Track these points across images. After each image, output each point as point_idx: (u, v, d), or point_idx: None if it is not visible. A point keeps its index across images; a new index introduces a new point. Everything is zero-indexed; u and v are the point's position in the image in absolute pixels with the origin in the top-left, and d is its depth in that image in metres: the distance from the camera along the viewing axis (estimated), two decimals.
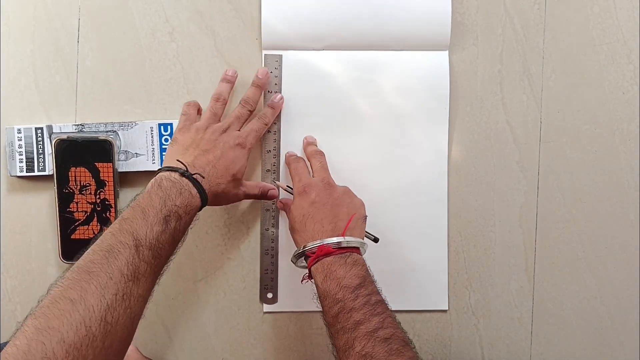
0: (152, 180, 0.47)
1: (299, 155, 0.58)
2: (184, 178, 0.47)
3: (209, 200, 0.49)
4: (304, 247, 0.48)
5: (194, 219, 0.48)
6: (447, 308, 0.60)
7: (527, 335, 0.61)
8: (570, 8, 0.60)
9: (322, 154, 0.56)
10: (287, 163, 0.57)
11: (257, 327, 0.60)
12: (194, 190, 0.47)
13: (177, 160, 0.48)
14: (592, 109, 0.60)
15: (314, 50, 0.59)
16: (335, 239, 0.48)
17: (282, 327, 0.60)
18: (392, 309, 0.60)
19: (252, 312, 0.60)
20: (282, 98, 0.57)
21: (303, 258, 0.50)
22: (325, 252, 0.47)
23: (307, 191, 0.51)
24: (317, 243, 0.48)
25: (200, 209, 0.48)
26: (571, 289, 0.61)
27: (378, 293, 0.45)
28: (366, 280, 0.45)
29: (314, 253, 0.48)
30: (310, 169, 0.56)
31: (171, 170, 0.47)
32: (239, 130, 0.54)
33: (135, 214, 0.43)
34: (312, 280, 0.48)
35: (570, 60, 0.60)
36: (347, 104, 0.59)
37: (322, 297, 0.46)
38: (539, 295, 0.61)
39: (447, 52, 0.59)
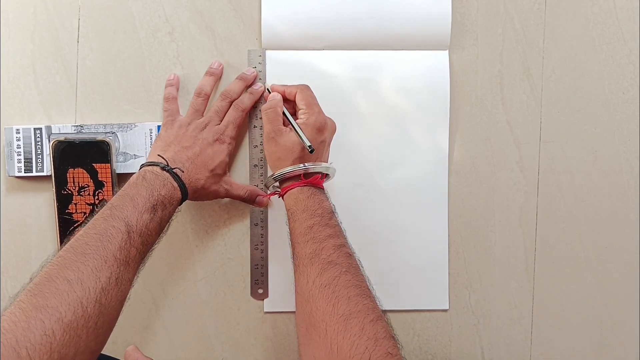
0: (136, 173, 0.49)
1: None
2: (165, 172, 0.49)
3: (190, 194, 0.51)
4: (325, 163, 0.53)
5: (176, 210, 0.50)
6: (447, 307, 0.60)
7: (527, 335, 0.61)
8: (570, 8, 0.60)
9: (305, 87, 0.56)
10: (290, 92, 0.55)
11: (257, 327, 0.60)
12: (175, 184, 0.49)
13: (158, 155, 0.51)
14: (592, 109, 0.60)
15: (314, 50, 0.59)
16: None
17: (282, 327, 0.60)
18: (393, 308, 0.60)
19: (252, 312, 0.60)
20: (262, 86, 0.58)
21: (299, 176, 0.52)
22: (320, 181, 0.52)
23: (322, 130, 0.53)
24: (327, 165, 0.53)
25: (181, 203, 0.50)
26: (571, 289, 0.61)
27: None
28: (335, 212, 0.50)
29: (308, 175, 0.52)
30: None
31: (153, 165, 0.50)
32: (218, 125, 0.55)
33: (125, 202, 0.45)
34: (282, 197, 0.52)
35: (570, 60, 0.60)
36: (347, 104, 0.59)
37: (300, 210, 0.49)
38: (539, 295, 0.61)
39: (447, 52, 0.59)
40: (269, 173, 0.54)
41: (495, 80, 0.60)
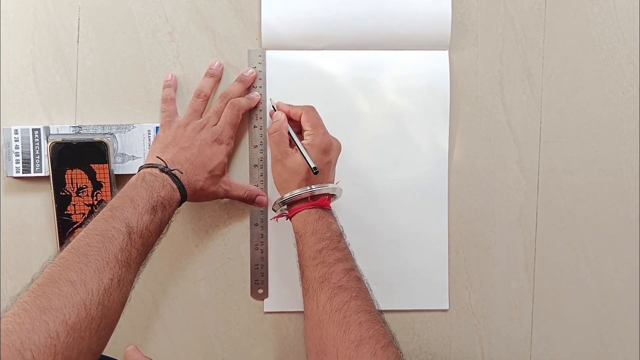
0: (135, 175, 0.49)
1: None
2: (164, 173, 0.49)
3: (189, 196, 0.51)
4: (332, 184, 0.52)
5: (175, 212, 0.50)
6: (447, 307, 0.60)
7: (527, 335, 0.61)
8: (570, 8, 0.60)
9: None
10: (295, 113, 0.55)
11: (257, 327, 0.60)
12: (174, 185, 0.49)
13: (157, 157, 0.51)
14: (592, 109, 0.60)
15: (314, 50, 0.59)
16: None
17: (282, 327, 0.60)
18: (393, 308, 0.60)
19: (252, 312, 0.60)
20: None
21: (307, 199, 0.51)
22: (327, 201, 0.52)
23: (327, 151, 0.52)
24: (334, 186, 0.52)
25: (180, 204, 0.50)
26: (571, 289, 0.61)
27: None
28: (343, 234, 0.50)
29: (319, 195, 0.51)
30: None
31: (152, 167, 0.49)
32: (216, 125, 0.55)
33: (125, 203, 0.45)
34: (290, 219, 0.52)
35: (570, 60, 0.60)
36: (347, 104, 0.59)
37: (309, 233, 0.49)
38: (539, 295, 0.61)
39: (447, 52, 0.59)
40: (275, 194, 0.54)
41: (495, 80, 0.60)
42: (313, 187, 0.51)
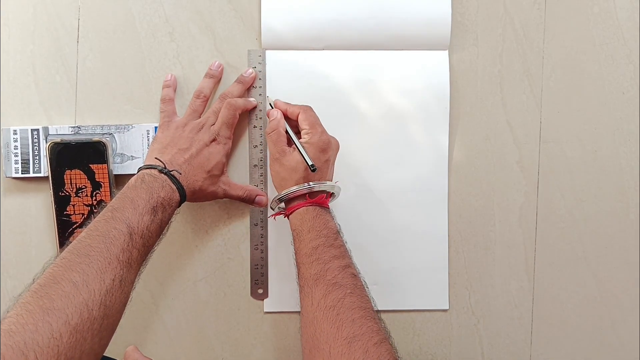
0: (134, 177, 0.49)
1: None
2: (162, 174, 0.49)
3: (188, 196, 0.51)
4: (330, 182, 0.52)
5: (175, 212, 0.50)
6: (447, 307, 0.60)
7: (527, 335, 0.61)
8: (570, 8, 0.60)
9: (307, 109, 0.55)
10: (293, 112, 0.55)
11: (257, 327, 0.60)
12: (173, 186, 0.49)
13: (156, 158, 0.51)
14: (592, 109, 0.60)
15: (314, 50, 0.59)
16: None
17: (282, 327, 0.60)
18: (393, 308, 0.60)
19: (252, 312, 0.60)
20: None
21: (305, 195, 0.51)
22: (326, 199, 0.52)
23: (325, 149, 0.52)
24: (332, 184, 0.52)
25: (179, 205, 0.50)
26: (571, 289, 0.61)
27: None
28: (340, 232, 0.50)
29: (316, 192, 0.51)
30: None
31: (151, 168, 0.50)
32: (214, 125, 0.55)
33: (125, 204, 0.45)
34: (287, 217, 0.52)
35: (570, 60, 0.60)
36: (347, 104, 0.59)
37: (306, 231, 0.49)
38: (539, 295, 0.61)
39: (447, 52, 0.59)
40: (274, 194, 0.53)
41: (495, 80, 0.60)
42: (311, 183, 0.51)
